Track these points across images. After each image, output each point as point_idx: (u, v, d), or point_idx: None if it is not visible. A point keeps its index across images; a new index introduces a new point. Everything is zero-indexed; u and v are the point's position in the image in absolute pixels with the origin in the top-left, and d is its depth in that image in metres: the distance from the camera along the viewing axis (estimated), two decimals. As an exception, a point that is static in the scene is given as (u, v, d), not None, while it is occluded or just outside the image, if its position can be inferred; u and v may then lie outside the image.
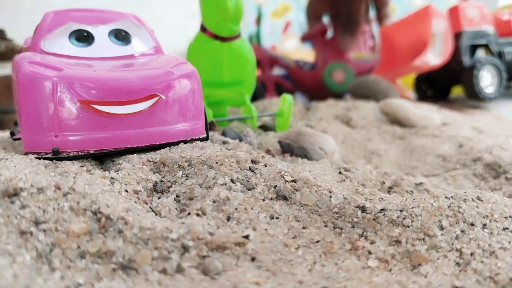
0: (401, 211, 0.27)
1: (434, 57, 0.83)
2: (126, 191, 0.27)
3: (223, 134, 0.44)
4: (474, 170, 0.44)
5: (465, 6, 0.87)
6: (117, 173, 0.29)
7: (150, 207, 0.27)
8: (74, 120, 0.31)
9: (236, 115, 0.61)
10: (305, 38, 1.02)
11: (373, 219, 0.26)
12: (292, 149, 0.42)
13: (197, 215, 0.26)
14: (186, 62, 0.38)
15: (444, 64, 0.84)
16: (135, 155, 0.33)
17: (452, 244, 0.25)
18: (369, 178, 0.35)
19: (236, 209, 0.26)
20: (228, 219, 0.26)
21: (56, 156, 0.31)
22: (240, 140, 0.43)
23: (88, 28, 0.39)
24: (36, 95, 0.30)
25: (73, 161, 0.31)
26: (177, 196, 0.28)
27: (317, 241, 0.25)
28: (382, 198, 0.30)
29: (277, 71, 1.05)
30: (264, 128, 0.55)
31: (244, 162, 0.31)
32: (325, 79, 0.94)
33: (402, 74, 0.90)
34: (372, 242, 0.25)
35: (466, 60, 0.84)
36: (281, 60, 1.01)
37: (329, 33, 1.01)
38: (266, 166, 0.31)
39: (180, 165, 0.31)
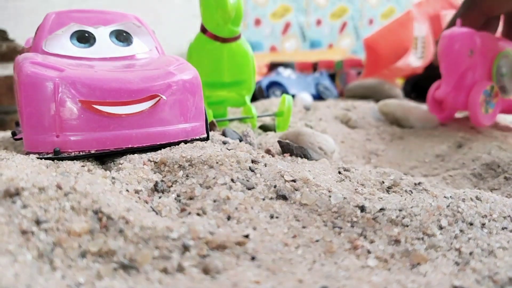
0: (400, 210, 0.27)
1: (416, 59, 0.87)
2: (127, 190, 0.28)
3: (223, 134, 0.44)
4: (473, 170, 0.44)
5: (445, 13, 0.90)
6: (118, 173, 0.29)
7: (151, 207, 0.27)
8: (75, 120, 0.31)
9: (236, 115, 0.61)
10: None
11: (372, 219, 0.27)
12: (292, 149, 0.42)
13: (198, 214, 0.26)
14: (187, 63, 0.38)
15: (428, 69, 0.86)
16: (136, 155, 0.33)
17: (451, 244, 0.25)
18: (368, 178, 0.35)
19: (236, 208, 0.27)
20: (228, 218, 0.26)
21: (58, 156, 0.31)
22: (240, 140, 0.43)
23: (89, 29, 0.39)
24: (38, 95, 0.31)
25: (75, 161, 0.32)
26: (178, 195, 0.29)
27: (317, 241, 0.25)
28: (381, 198, 0.30)
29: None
30: (264, 128, 0.56)
31: (244, 162, 0.31)
32: None
33: (386, 78, 0.92)
34: (371, 242, 0.25)
35: None
36: None
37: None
38: (266, 166, 0.32)
39: (181, 165, 0.31)
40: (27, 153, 0.32)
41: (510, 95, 0.61)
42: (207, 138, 0.37)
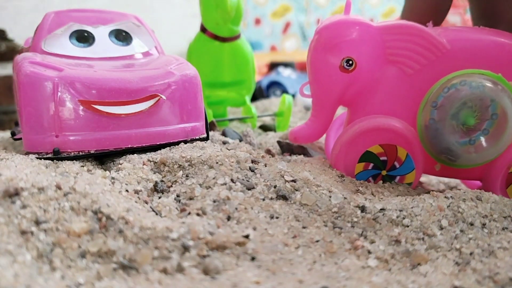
0: (400, 210, 0.27)
1: None
2: (127, 190, 0.27)
3: (223, 134, 0.44)
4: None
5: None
6: (118, 173, 0.29)
7: (150, 207, 0.27)
8: (74, 120, 0.31)
9: (236, 115, 0.61)
10: None
11: (373, 219, 0.27)
12: (292, 149, 0.42)
13: (198, 214, 0.26)
14: (187, 63, 0.38)
15: None
16: (135, 155, 0.33)
17: (452, 244, 0.25)
18: (368, 178, 0.35)
19: (236, 208, 0.26)
20: (228, 218, 0.26)
21: (57, 156, 0.31)
22: (240, 140, 0.43)
23: (89, 28, 0.39)
24: (37, 95, 0.31)
25: (74, 161, 0.32)
26: (178, 195, 0.28)
27: (317, 241, 0.25)
28: (381, 198, 0.30)
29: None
30: (264, 128, 0.55)
31: (244, 162, 0.31)
32: None
33: None
34: (372, 242, 0.25)
35: None
36: None
37: None
38: (266, 166, 0.32)
39: (181, 165, 0.31)
40: (27, 153, 0.31)
41: (472, 164, 0.32)
42: (207, 138, 0.37)
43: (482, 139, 0.30)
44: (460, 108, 0.30)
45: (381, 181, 0.33)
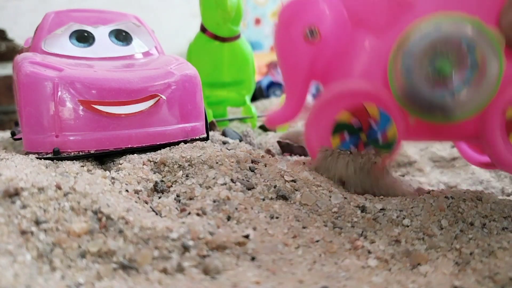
0: (400, 210, 0.27)
1: None
2: (127, 190, 0.27)
3: (223, 134, 0.44)
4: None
5: None
6: (118, 173, 0.29)
7: (150, 207, 0.27)
8: (74, 120, 0.31)
9: (236, 115, 0.61)
10: None
11: (373, 219, 0.27)
12: (291, 148, 0.42)
13: (198, 214, 0.26)
14: (187, 63, 0.38)
15: None
16: (135, 155, 0.33)
17: (452, 244, 0.25)
18: (368, 178, 0.35)
19: (236, 208, 0.26)
20: (228, 218, 0.26)
21: (57, 156, 0.31)
22: (240, 140, 0.43)
23: (89, 28, 0.39)
24: (37, 95, 0.31)
25: (74, 161, 0.32)
26: (178, 196, 0.28)
27: (317, 241, 0.25)
28: (381, 198, 0.30)
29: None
30: (264, 128, 0.56)
31: (244, 162, 0.31)
32: None
33: None
34: (372, 242, 0.25)
35: None
36: None
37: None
38: (266, 166, 0.32)
39: (181, 165, 0.31)
40: (27, 153, 0.31)
41: (459, 116, 0.29)
42: (207, 138, 0.37)
43: (470, 81, 0.27)
44: (434, 57, 0.27)
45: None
